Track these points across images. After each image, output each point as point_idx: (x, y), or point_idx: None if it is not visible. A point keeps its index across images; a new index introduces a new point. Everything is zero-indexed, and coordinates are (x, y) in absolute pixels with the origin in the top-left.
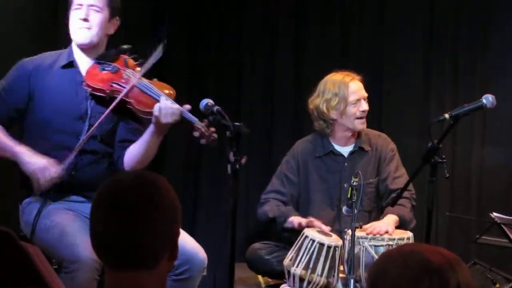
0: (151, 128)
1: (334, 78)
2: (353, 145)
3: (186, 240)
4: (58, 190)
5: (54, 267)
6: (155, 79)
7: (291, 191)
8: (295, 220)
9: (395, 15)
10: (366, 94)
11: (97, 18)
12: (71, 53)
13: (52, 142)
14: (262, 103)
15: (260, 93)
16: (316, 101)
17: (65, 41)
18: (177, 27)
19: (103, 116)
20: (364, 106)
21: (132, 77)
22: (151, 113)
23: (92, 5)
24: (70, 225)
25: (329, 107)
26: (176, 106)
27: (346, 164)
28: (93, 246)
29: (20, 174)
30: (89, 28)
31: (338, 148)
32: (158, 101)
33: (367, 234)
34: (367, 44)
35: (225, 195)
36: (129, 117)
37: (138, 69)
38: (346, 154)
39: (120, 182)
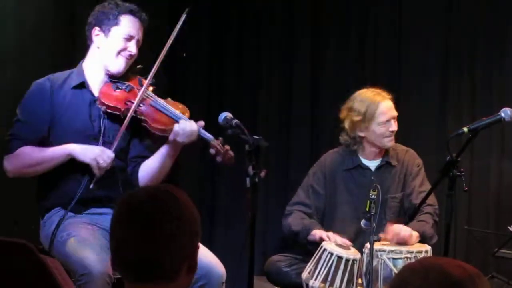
0: (166, 146)
1: (364, 96)
2: (380, 159)
3: (204, 254)
4: (78, 203)
5: (73, 279)
6: (168, 98)
7: (316, 203)
8: (318, 234)
9: (412, 28)
10: (396, 114)
11: (136, 52)
12: (81, 73)
13: (73, 162)
14: (279, 116)
15: (277, 106)
16: (346, 118)
17: (81, 56)
18: (195, 41)
19: (121, 130)
20: (394, 126)
21: (145, 95)
22: (165, 131)
23: (138, 41)
24: (85, 239)
25: (355, 126)
26: (196, 127)
27: (373, 178)
28: (112, 260)
29: (40, 187)
30: (130, 60)
31: (365, 162)
32: (173, 119)
33: (391, 238)
34: (383, 58)
35: (243, 208)
36: (143, 134)
37: (151, 88)
38: (373, 168)
39: (138, 197)
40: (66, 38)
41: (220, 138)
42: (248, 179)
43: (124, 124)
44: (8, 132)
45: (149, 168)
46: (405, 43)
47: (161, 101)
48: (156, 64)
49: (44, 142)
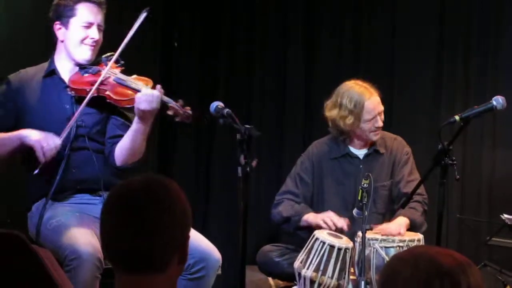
0: (135, 121)
1: (352, 92)
2: (368, 147)
3: (200, 240)
4: (62, 190)
5: (62, 266)
6: (134, 75)
7: (304, 192)
8: (311, 219)
9: (406, 17)
10: (381, 109)
11: (101, 38)
12: (52, 63)
13: None
14: (273, 106)
15: (271, 95)
16: (333, 113)
17: None
18: (187, 30)
19: (80, 108)
20: (379, 122)
21: (108, 73)
22: (130, 102)
23: (100, 25)
24: (74, 224)
25: (344, 123)
26: (157, 92)
27: (361, 166)
28: (103, 250)
29: (27, 180)
30: (95, 47)
31: (353, 150)
32: (137, 90)
33: (381, 235)
34: (378, 47)
35: (236, 198)
36: (113, 112)
37: (119, 70)
38: (361, 157)
39: (130, 186)
40: None
41: (180, 100)
42: (239, 169)
43: (85, 101)
44: None
45: (122, 147)
46: (399, 32)
47: (123, 76)
48: (121, 46)
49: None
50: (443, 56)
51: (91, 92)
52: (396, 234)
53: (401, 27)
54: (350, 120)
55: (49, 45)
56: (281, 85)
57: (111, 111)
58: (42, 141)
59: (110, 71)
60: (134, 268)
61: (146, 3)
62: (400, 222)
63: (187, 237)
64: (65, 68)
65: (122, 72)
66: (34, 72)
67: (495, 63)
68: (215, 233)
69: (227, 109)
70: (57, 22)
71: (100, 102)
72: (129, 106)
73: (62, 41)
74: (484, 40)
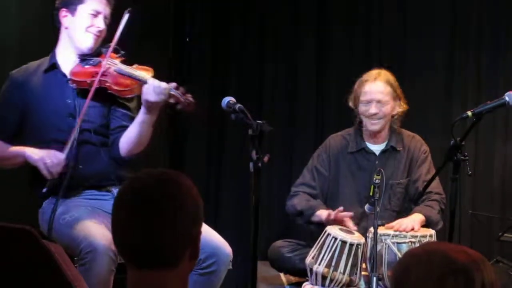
0: (141, 112)
1: (363, 76)
2: (385, 143)
3: (212, 234)
4: (70, 187)
5: (76, 265)
6: (135, 65)
7: (321, 184)
8: (323, 213)
9: (417, 13)
10: (378, 98)
11: (105, 27)
12: (53, 56)
13: (50, 140)
14: (284, 101)
15: (282, 91)
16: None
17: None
18: (198, 25)
19: (86, 104)
20: (372, 109)
21: (109, 63)
22: (131, 91)
23: (106, 17)
24: (88, 219)
25: (352, 103)
26: (164, 83)
27: (377, 162)
28: (116, 245)
29: (35, 176)
30: (99, 37)
31: (370, 146)
32: (136, 80)
33: (395, 230)
34: (389, 44)
35: (247, 193)
36: (115, 103)
37: (119, 60)
38: (377, 153)
39: (142, 181)
40: None
41: (181, 88)
42: (251, 164)
43: (89, 95)
44: None
45: (128, 137)
46: (411, 29)
47: (124, 66)
48: (116, 36)
49: (17, 136)
50: (455, 52)
51: (93, 85)
52: (409, 230)
53: (411, 25)
54: (351, 100)
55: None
56: (293, 80)
57: (113, 102)
58: (45, 158)
59: (110, 61)
60: (146, 264)
61: None
62: (415, 218)
63: (199, 233)
64: (66, 61)
65: (123, 62)
66: (35, 67)
67: (507, 59)
68: (227, 228)
69: (239, 104)
70: (64, 9)
71: (102, 94)
72: (131, 96)
73: (66, 28)
74: (496, 35)
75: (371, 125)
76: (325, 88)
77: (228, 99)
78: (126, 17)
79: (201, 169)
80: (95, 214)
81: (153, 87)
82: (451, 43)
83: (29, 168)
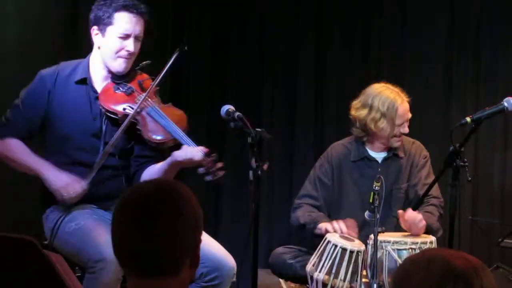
0: (168, 162)
1: (385, 96)
2: (387, 152)
3: (213, 247)
4: (80, 202)
5: (77, 274)
6: (170, 103)
7: (324, 194)
8: (324, 226)
9: (416, 17)
10: (410, 116)
11: (138, 49)
12: (85, 67)
13: (72, 158)
14: (283, 108)
15: (281, 98)
16: (362, 113)
17: (84, 48)
18: (197, 34)
19: (115, 137)
20: (406, 129)
21: (144, 102)
22: (162, 145)
23: (137, 36)
24: (95, 227)
25: (376, 126)
26: (198, 157)
27: (379, 169)
28: (115, 253)
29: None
30: (130, 59)
31: (372, 153)
32: (173, 138)
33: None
34: (388, 48)
35: (247, 201)
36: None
37: (155, 99)
38: (380, 160)
39: (142, 190)
40: (69, 32)
41: (213, 155)
42: (251, 172)
43: (119, 131)
44: (5, 115)
45: (152, 175)
46: (409, 32)
47: (161, 113)
48: (161, 73)
49: (34, 134)
50: (453, 57)
51: (124, 123)
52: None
53: (410, 28)
54: (382, 123)
55: (57, 46)
56: (292, 86)
57: (139, 139)
58: (63, 191)
59: (146, 102)
60: (146, 272)
61: (155, 9)
62: (421, 226)
63: (199, 241)
64: (98, 75)
65: (157, 93)
66: (68, 74)
67: (506, 63)
68: (227, 236)
69: (238, 113)
70: (95, 27)
71: (130, 128)
72: (156, 144)
73: (98, 47)
74: (495, 40)
75: (396, 142)
76: (325, 88)
77: (227, 107)
78: (174, 56)
79: (200, 178)
80: (101, 222)
81: (186, 154)
82: (450, 47)
83: (43, 185)
